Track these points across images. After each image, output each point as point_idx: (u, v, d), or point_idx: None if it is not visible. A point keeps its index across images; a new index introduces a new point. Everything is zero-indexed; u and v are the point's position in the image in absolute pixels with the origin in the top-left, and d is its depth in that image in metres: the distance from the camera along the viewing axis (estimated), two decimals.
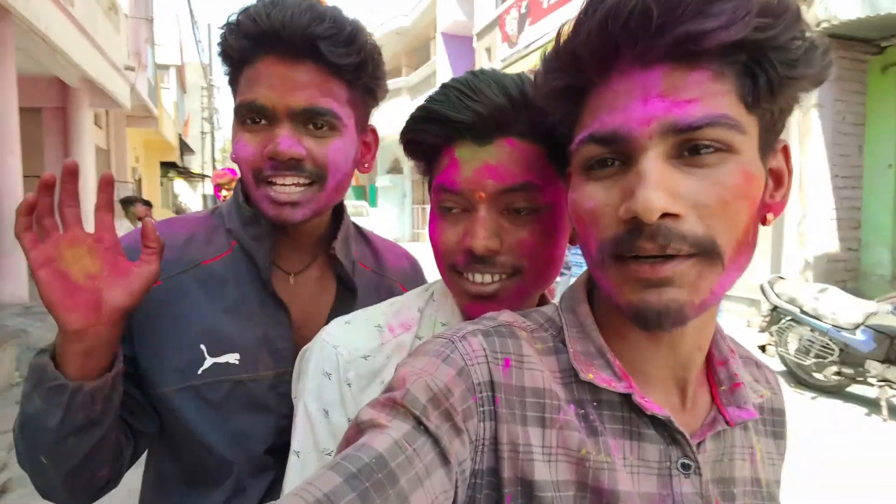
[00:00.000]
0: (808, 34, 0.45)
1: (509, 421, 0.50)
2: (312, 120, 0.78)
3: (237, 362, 0.82)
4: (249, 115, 0.79)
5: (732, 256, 0.46)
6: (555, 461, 0.50)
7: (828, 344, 4.27)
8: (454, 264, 0.66)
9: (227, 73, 0.84)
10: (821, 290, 4.52)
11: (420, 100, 0.70)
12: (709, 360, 0.58)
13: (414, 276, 1.07)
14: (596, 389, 0.53)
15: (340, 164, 0.82)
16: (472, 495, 0.49)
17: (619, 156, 0.47)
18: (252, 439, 0.81)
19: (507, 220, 0.64)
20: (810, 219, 6.28)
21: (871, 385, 4.00)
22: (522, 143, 0.63)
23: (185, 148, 23.00)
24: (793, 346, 4.58)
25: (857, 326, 4.08)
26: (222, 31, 0.80)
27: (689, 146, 0.44)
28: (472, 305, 0.66)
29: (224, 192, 4.74)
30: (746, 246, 0.47)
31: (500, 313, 0.57)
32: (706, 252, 0.45)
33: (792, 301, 4.55)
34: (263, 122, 0.78)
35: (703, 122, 0.43)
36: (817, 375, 4.43)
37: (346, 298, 0.92)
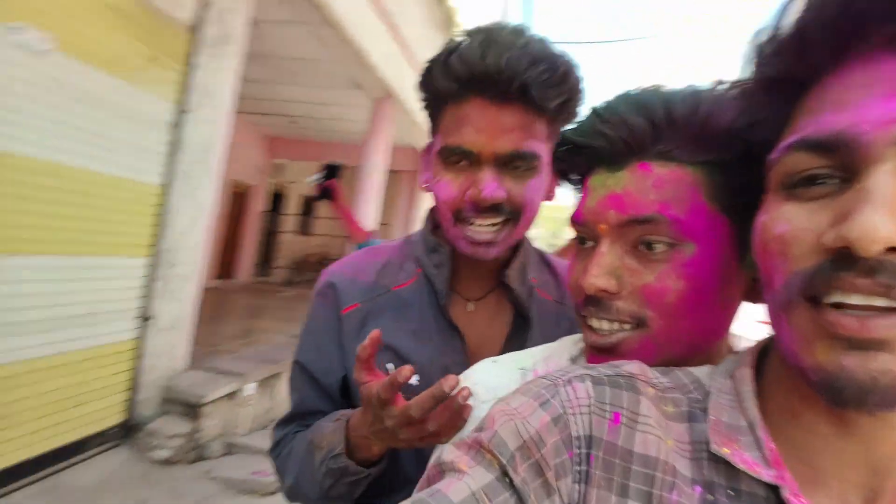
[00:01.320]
0: None
1: (602, 487, 0.40)
2: (515, 163, 0.78)
3: (417, 384, 0.83)
4: (454, 158, 0.79)
5: None
6: None
7: None
8: (577, 306, 0.57)
9: (424, 102, 0.85)
10: None
11: None
12: None
13: None
14: (734, 474, 0.39)
15: (536, 203, 0.83)
16: None
17: (839, 170, 0.34)
18: (424, 463, 0.80)
19: (635, 259, 0.52)
20: None
21: None
22: (663, 168, 0.51)
23: None
24: None
25: None
26: (428, 65, 0.81)
27: None
28: (593, 358, 0.56)
29: None
30: None
31: (628, 362, 0.47)
32: None
33: None
34: (465, 162, 0.79)
35: None
36: None
37: (521, 327, 0.89)
